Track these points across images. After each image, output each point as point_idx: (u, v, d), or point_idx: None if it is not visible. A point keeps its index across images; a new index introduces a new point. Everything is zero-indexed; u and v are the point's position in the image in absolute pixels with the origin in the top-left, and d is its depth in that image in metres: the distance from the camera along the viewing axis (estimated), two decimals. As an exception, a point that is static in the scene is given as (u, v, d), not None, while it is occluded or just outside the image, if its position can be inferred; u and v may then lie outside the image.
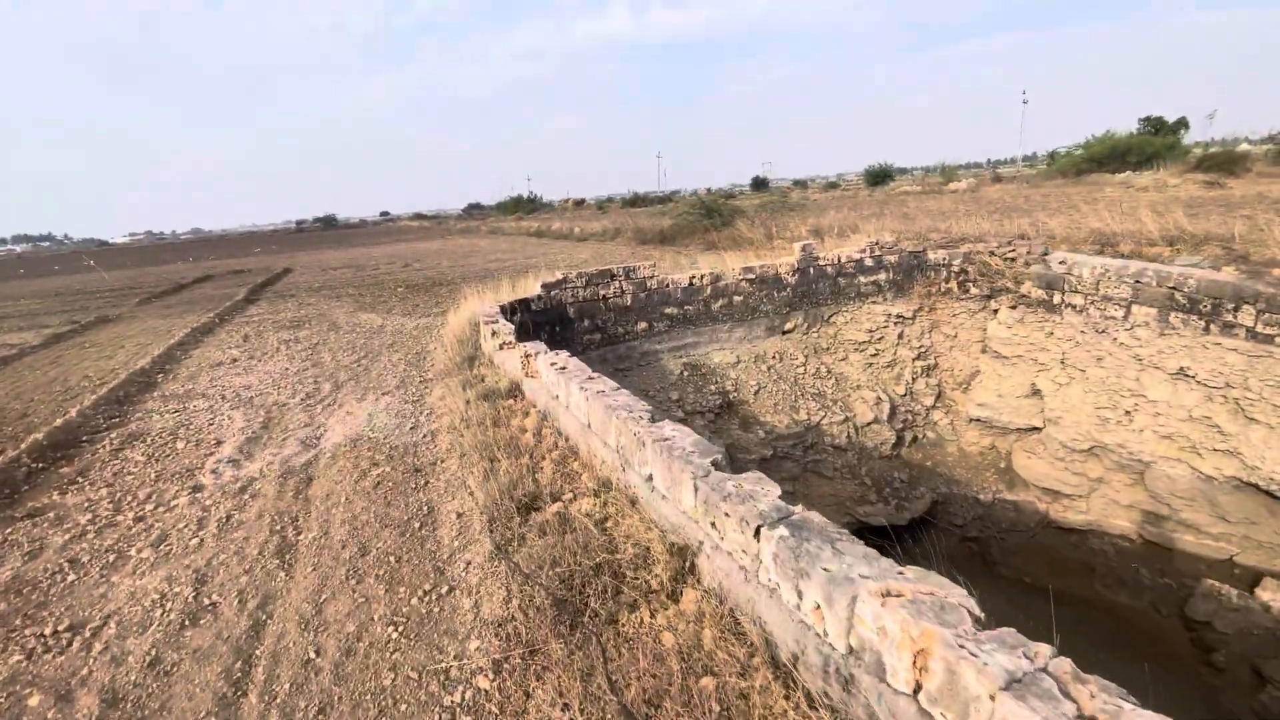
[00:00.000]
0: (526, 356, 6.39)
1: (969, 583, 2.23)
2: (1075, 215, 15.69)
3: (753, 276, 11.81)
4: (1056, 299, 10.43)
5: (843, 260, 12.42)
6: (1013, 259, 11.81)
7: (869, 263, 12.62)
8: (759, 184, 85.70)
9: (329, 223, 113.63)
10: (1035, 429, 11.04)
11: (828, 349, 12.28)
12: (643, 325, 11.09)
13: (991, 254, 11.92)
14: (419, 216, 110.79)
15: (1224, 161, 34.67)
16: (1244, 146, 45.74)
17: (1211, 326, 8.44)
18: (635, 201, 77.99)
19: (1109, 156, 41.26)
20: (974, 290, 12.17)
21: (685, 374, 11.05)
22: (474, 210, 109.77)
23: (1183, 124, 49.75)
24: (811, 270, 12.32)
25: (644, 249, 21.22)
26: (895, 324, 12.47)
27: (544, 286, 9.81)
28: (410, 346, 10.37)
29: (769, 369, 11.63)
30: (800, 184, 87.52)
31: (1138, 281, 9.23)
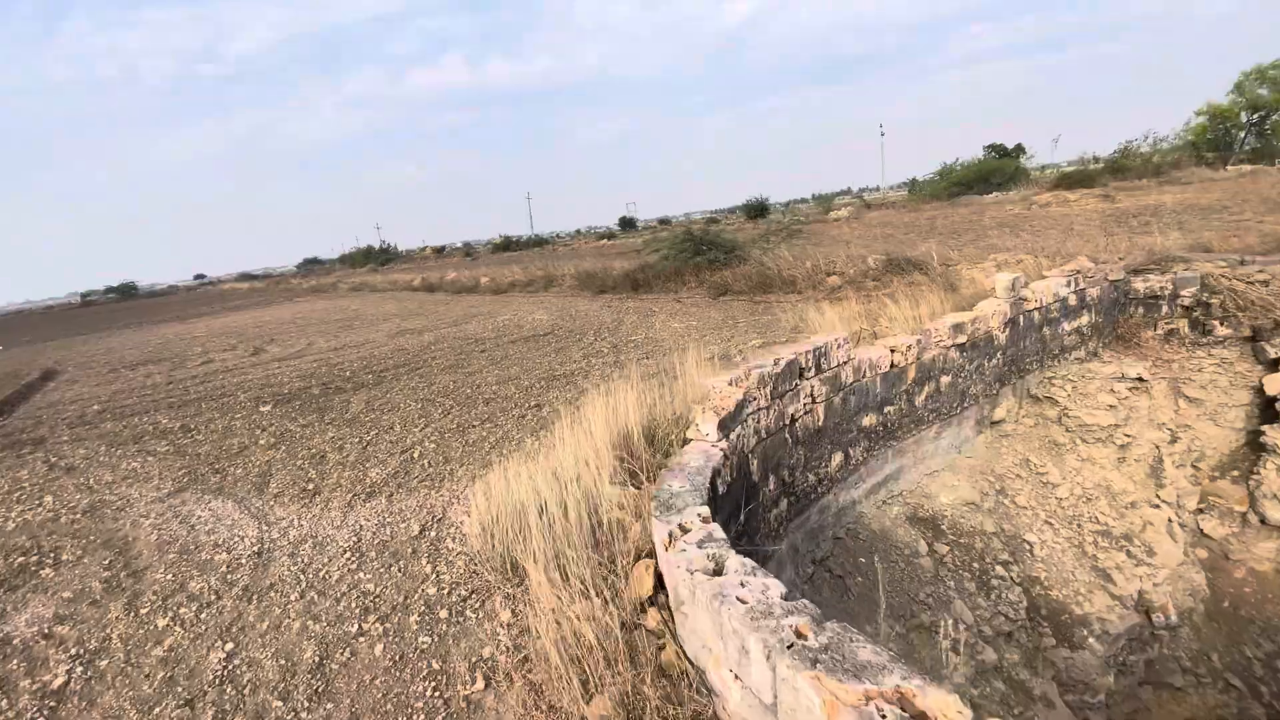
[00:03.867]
0: None
1: None
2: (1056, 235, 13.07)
3: (962, 341, 6.88)
4: None
5: (1047, 301, 7.98)
6: (1265, 282, 8.16)
7: (1073, 301, 8.33)
8: (627, 224, 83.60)
9: (127, 291, 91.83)
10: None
11: (1063, 445, 7.63)
12: (837, 459, 5.63)
13: (1254, 281, 8.16)
14: (246, 277, 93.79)
15: (1083, 179, 37.05)
16: (1070, 168, 50.52)
17: None
18: (507, 246, 71.95)
19: (975, 179, 43.34)
20: (1221, 330, 8.30)
21: (928, 547, 5.70)
22: (312, 265, 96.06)
23: (1020, 150, 54.55)
24: (1021, 320, 7.72)
25: (613, 301, 15.65)
26: (1131, 392, 8.20)
27: (719, 422, 3.96)
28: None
29: (1012, 501, 6.68)
30: (665, 221, 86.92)
31: None
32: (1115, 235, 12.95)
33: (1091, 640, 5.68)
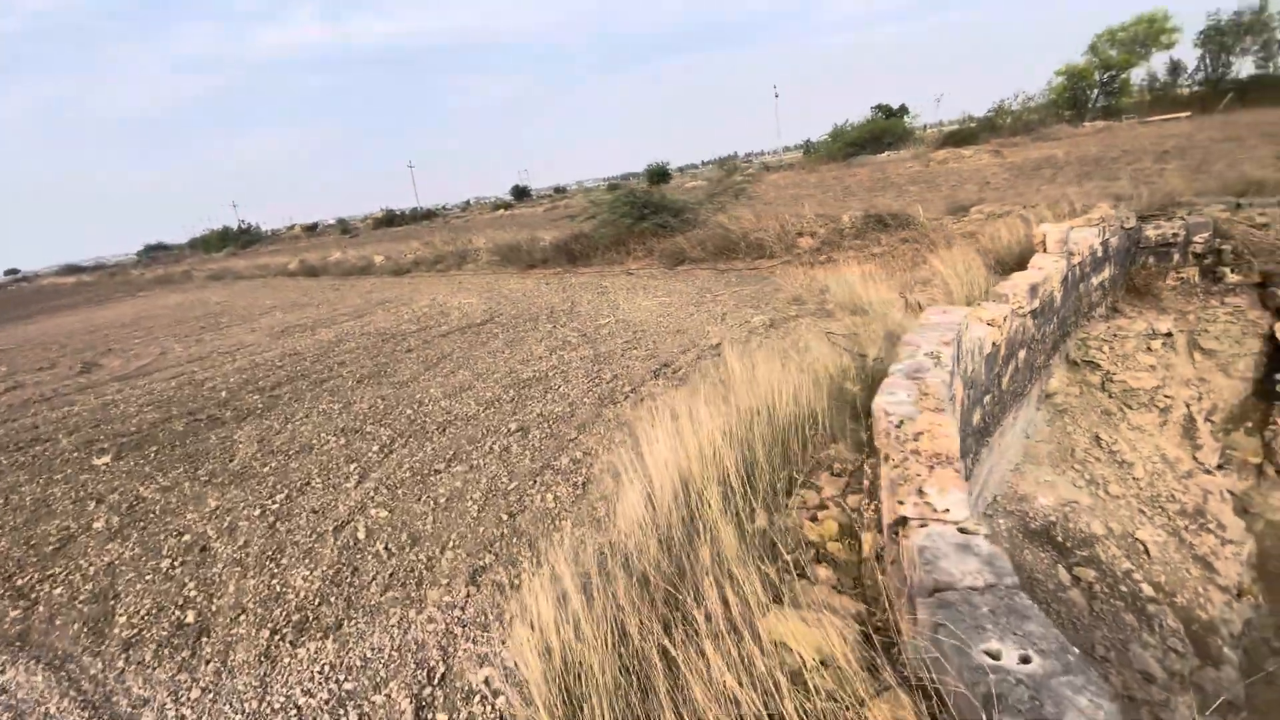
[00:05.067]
0: None
1: None
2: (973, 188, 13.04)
3: (1036, 306, 5.76)
4: None
5: (1084, 255, 7.12)
6: (1265, 225, 7.83)
7: (1100, 253, 7.55)
8: (521, 193, 79.71)
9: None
10: None
11: (1114, 414, 6.86)
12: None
13: (1259, 225, 7.75)
14: (72, 270, 78.81)
15: (966, 136, 39.11)
16: (951, 127, 53.52)
17: None
18: (391, 220, 66.10)
19: (867, 139, 44.70)
20: (1232, 277, 7.90)
21: (1068, 573, 4.55)
22: (157, 252, 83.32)
23: (905, 110, 57.04)
24: (1069, 277, 6.77)
25: (549, 277, 13.58)
26: (1165, 348, 7.61)
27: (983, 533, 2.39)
28: None
29: (1105, 491, 5.76)
30: (560, 190, 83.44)
31: None
32: (1041, 187, 12.75)
33: (1226, 650, 4.86)
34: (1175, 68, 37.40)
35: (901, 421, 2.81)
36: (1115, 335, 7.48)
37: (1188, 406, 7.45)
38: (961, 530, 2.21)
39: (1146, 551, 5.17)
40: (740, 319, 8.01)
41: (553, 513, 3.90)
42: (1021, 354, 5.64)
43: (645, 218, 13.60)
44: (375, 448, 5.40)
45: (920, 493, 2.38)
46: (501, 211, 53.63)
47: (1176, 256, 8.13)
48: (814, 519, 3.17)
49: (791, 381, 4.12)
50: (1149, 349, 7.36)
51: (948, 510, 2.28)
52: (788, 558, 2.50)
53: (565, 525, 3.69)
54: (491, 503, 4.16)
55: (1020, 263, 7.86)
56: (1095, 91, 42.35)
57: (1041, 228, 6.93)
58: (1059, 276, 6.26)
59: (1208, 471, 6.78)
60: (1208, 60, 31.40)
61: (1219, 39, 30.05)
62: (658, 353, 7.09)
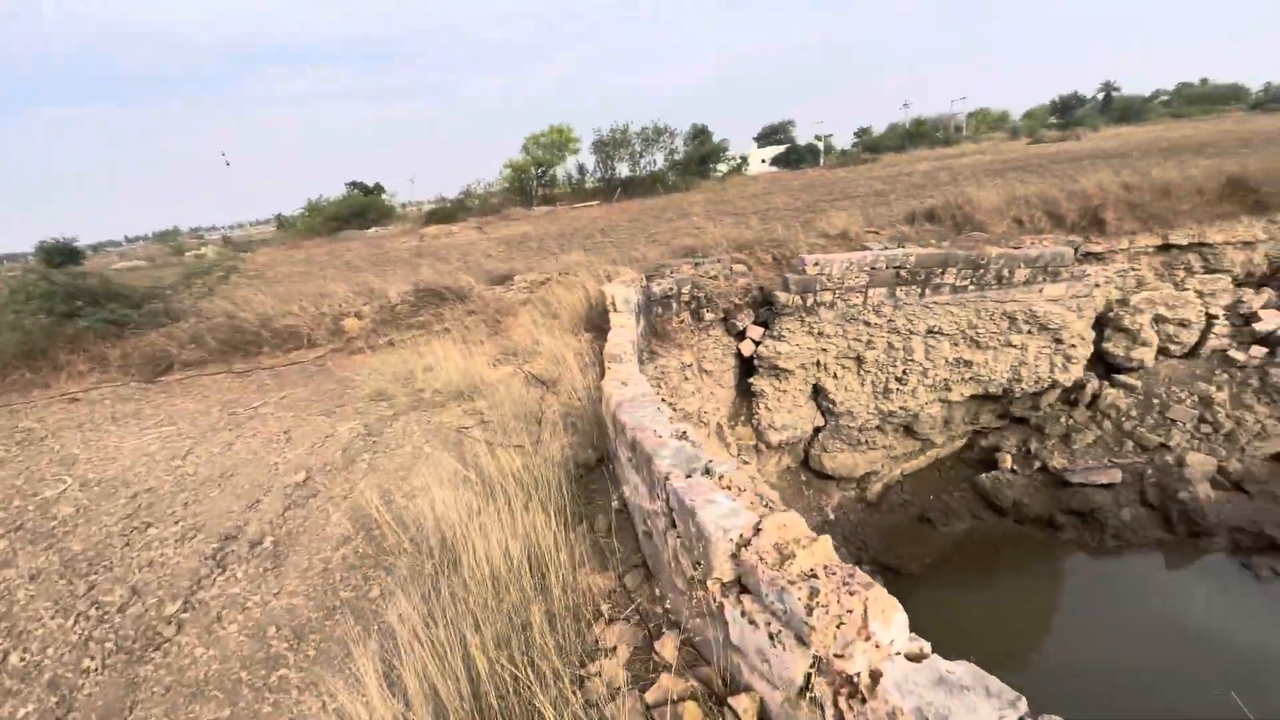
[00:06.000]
0: None
1: None
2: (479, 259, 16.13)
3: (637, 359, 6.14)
4: (810, 300, 10.43)
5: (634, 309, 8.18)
6: (715, 276, 10.99)
7: (639, 307, 8.84)
8: None
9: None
10: (819, 428, 11.07)
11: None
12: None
13: (713, 277, 10.64)
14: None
15: (447, 214, 43.76)
16: (429, 206, 58.32)
17: (926, 291, 10.53)
18: None
19: (350, 215, 44.92)
20: (709, 316, 10.61)
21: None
22: None
23: (381, 188, 59.34)
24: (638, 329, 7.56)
25: None
26: (695, 374, 9.41)
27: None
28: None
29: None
30: None
31: (873, 268, 10.37)
32: (547, 257, 14.96)
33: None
34: (581, 168, 50.62)
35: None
36: (663, 373, 8.94)
37: (711, 414, 9.48)
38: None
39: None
40: (315, 433, 5.91)
41: None
42: (647, 406, 5.91)
43: (78, 313, 8.99)
44: None
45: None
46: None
47: (675, 305, 10.37)
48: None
49: (502, 526, 2.96)
50: (686, 379, 9.07)
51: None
52: None
53: None
54: None
55: (591, 320, 8.50)
56: (535, 182, 52.76)
57: (608, 289, 7.62)
58: (636, 331, 6.95)
59: (745, 462, 8.70)
60: (601, 163, 43.53)
61: (604, 149, 42.06)
62: (203, 522, 4.43)
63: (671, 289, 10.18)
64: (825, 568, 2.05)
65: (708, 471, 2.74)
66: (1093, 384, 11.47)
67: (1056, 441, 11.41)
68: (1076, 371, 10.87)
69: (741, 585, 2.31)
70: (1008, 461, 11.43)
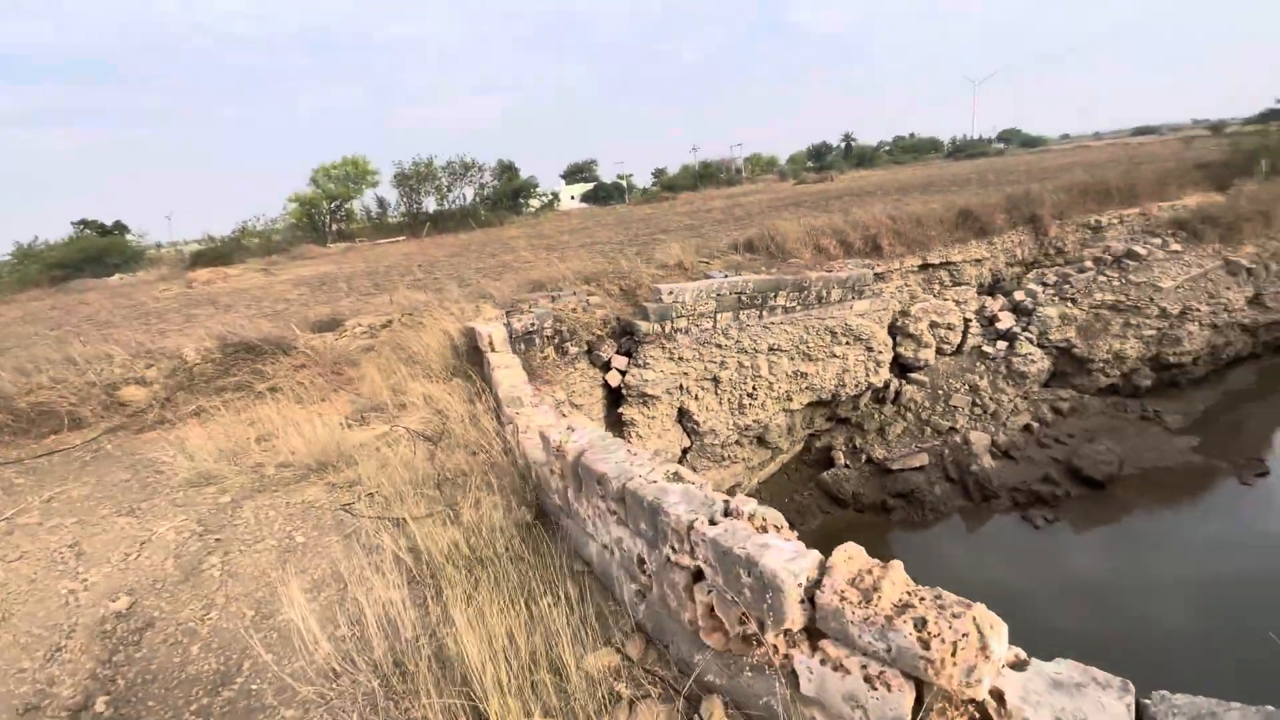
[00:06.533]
0: None
1: None
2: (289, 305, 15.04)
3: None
4: (668, 327, 10.77)
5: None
6: (574, 309, 10.89)
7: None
8: None
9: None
10: (686, 449, 11.41)
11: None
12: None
13: (571, 310, 10.47)
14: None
15: (220, 255, 38.35)
16: (193, 246, 50.53)
17: (763, 313, 11.55)
18: None
19: (83, 260, 37.66)
20: (573, 349, 10.40)
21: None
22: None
23: (123, 227, 50.41)
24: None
25: None
26: (572, 410, 9.04)
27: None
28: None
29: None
30: None
31: (719, 294, 11.09)
32: (362, 298, 13.68)
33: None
34: (382, 202, 47.09)
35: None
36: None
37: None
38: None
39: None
40: (121, 541, 4.47)
41: None
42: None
43: None
44: None
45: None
46: None
47: (539, 341, 9.99)
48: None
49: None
50: (564, 415, 8.71)
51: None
52: None
53: None
54: None
55: (457, 365, 7.79)
56: (329, 217, 47.86)
57: (481, 328, 7.06)
58: (522, 370, 6.52)
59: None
60: (405, 197, 40.95)
61: (407, 182, 39.70)
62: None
63: (534, 324, 9.80)
64: (912, 594, 2.01)
65: (728, 512, 2.58)
66: (895, 383, 13.51)
67: (874, 435, 13.18)
68: (885, 374, 12.72)
69: (811, 631, 2.17)
70: (841, 458, 12.89)
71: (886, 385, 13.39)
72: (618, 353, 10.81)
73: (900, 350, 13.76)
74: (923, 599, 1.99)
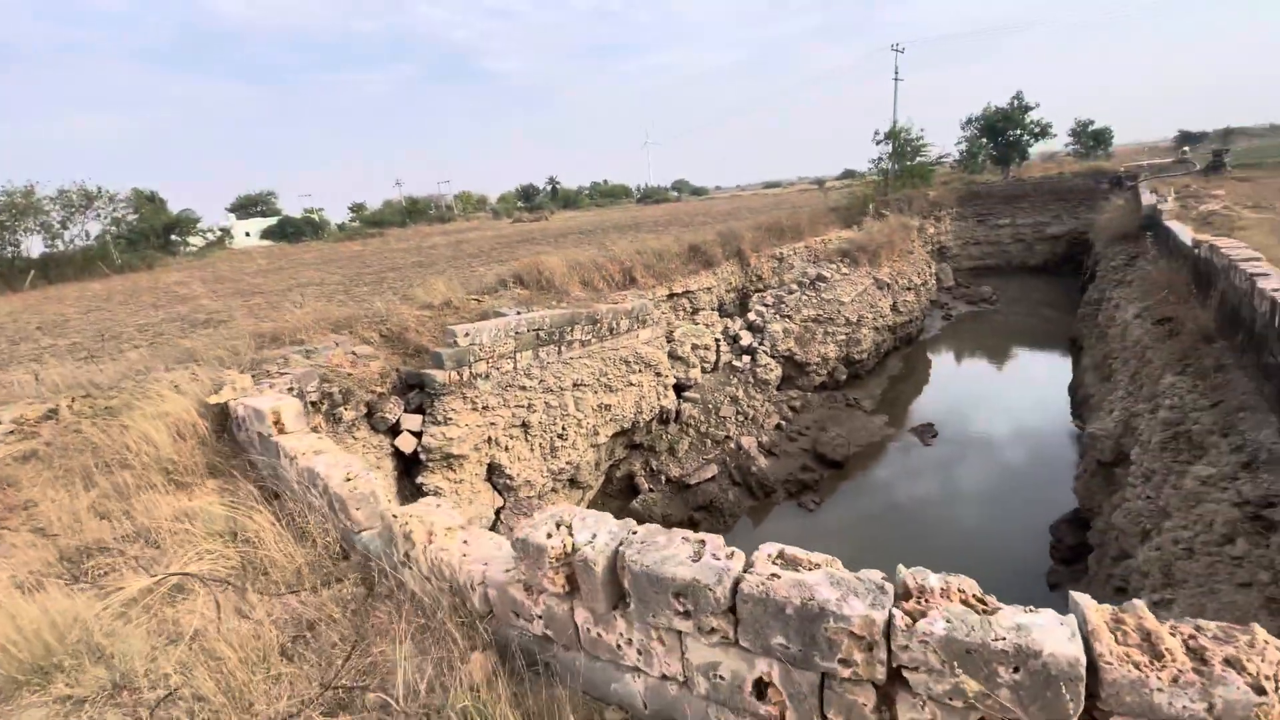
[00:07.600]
0: None
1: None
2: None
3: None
4: (467, 374, 9.39)
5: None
6: (359, 361, 8.82)
7: (282, 421, 6.04)
8: None
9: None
10: (500, 510, 10.12)
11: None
12: None
13: (336, 366, 8.34)
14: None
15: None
16: None
17: (562, 348, 11.05)
18: None
19: None
20: (348, 414, 8.29)
21: None
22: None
23: None
24: (331, 452, 5.13)
25: None
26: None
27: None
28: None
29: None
30: None
31: (517, 332, 10.19)
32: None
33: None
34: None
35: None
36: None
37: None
38: None
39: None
40: None
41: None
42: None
43: None
44: None
45: None
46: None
47: (305, 408, 7.68)
48: None
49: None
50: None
51: None
52: None
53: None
54: None
55: (204, 460, 5.46)
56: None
57: (261, 404, 5.00)
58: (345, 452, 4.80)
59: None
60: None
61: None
62: None
63: (293, 387, 7.53)
64: (1194, 636, 1.79)
65: (907, 593, 2.05)
66: (674, 404, 14.31)
67: (666, 455, 13.70)
68: (672, 396, 13.35)
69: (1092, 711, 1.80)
70: (644, 483, 13.03)
71: (667, 407, 14.08)
72: (406, 411, 9.03)
73: (674, 372, 14.64)
74: (1207, 634, 1.78)
